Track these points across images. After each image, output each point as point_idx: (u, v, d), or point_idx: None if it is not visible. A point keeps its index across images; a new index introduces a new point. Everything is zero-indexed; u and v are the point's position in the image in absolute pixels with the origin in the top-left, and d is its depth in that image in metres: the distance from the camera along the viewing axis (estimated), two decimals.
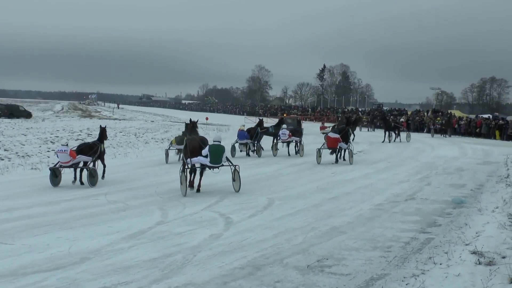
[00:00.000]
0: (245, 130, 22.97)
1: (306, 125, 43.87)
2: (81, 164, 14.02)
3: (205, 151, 12.72)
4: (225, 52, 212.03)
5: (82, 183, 13.93)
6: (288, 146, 23.47)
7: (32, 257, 7.19)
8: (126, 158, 20.50)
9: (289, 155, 22.73)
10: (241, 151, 22.90)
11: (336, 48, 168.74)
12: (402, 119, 41.96)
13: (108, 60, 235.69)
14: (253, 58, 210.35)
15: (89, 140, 24.53)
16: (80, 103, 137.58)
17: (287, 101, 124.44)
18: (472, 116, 48.98)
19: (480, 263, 6.45)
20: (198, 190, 12.86)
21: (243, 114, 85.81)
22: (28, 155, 19.41)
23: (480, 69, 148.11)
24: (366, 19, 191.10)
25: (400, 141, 31.49)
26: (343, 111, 68.41)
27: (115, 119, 58.38)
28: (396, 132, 32.40)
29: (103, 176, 14.82)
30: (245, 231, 8.78)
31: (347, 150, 20.05)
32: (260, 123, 24.03)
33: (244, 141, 22.59)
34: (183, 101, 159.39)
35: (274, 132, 24.31)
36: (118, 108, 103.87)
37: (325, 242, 8.10)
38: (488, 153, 24.64)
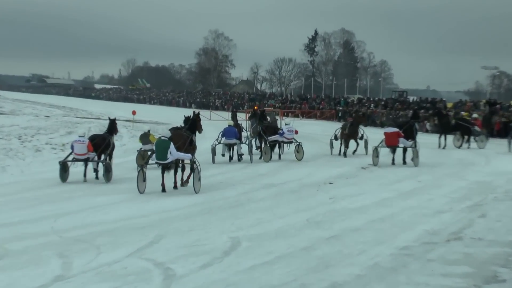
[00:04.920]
0: (233, 126, 26.18)
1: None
2: (95, 158, 19.96)
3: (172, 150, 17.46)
4: (161, 13, 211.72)
5: (85, 180, 19.64)
6: (281, 147, 27.53)
7: None
8: (4, 175, 20.46)
9: (279, 158, 26.77)
10: (223, 155, 25.66)
11: (334, 7, 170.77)
12: (475, 115, 41.88)
13: None
14: (206, 21, 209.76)
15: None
16: None
17: (258, 87, 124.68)
18: None
19: None
20: (182, 184, 18.37)
21: (190, 106, 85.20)
22: None
23: None
24: None
25: (469, 148, 32.26)
26: (347, 101, 68.50)
27: None
28: (462, 134, 33.11)
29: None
30: None
31: (411, 149, 23.92)
32: (255, 113, 28.89)
33: (233, 141, 25.69)
34: (97, 86, 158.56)
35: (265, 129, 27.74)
36: None
37: None
38: None
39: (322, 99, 78.34)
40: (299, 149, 26.41)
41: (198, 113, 20.91)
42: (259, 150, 28.21)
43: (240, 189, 18.48)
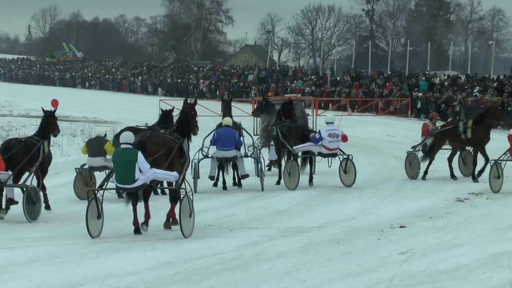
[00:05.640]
0: (231, 126, 26.21)
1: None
2: (10, 181, 19.59)
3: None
4: None
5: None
6: (313, 162, 26.92)
7: None
8: None
9: (310, 183, 26.41)
10: (212, 177, 25.39)
11: None
12: None
13: None
14: None
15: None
16: None
17: (274, 57, 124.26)
18: None
19: None
20: (168, 225, 18.42)
21: (154, 92, 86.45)
22: None
23: None
24: None
25: None
26: (432, 82, 66.85)
27: None
28: None
29: (46, 206, 20.81)
30: None
31: None
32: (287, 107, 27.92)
33: (230, 153, 25.20)
34: None
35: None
36: None
37: None
38: None
39: (387, 78, 77.43)
40: (347, 167, 25.45)
41: (195, 102, 21.00)
42: (276, 166, 27.32)
43: (244, 237, 17.88)
